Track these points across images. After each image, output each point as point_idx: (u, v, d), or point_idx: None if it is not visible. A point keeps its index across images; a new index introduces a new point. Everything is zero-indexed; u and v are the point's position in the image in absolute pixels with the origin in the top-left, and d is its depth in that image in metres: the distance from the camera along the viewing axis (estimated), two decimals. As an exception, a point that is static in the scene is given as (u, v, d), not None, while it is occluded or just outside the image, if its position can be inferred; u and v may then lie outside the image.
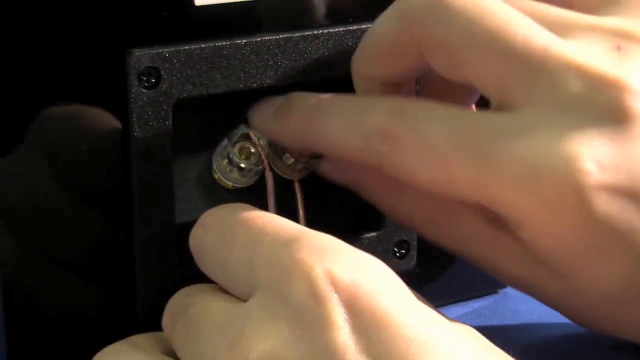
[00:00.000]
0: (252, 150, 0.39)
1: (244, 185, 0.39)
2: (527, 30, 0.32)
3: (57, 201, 0.35)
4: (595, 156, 0.30)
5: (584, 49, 0.32)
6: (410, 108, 0.34)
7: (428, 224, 0.37)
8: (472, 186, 0.32)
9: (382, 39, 0.35)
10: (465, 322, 0.32)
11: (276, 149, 0.39)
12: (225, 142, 0.39)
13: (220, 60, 0.37)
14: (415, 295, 0.30)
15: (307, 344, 0.27)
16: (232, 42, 0.37)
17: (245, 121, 0.39)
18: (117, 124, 0.36)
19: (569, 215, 0.31)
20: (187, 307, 0.32)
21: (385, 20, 0.36)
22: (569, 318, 0.36)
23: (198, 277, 0.34)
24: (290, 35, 0.38)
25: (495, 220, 0.34)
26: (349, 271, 0.28)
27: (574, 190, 0.30)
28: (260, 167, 0.39)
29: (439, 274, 0.48)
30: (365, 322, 0.28)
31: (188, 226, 0.35)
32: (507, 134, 0.31)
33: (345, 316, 0.28)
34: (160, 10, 0.36)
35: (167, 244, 0.37)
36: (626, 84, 0.31)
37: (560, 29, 0.33)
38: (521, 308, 0.49)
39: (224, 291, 0.32)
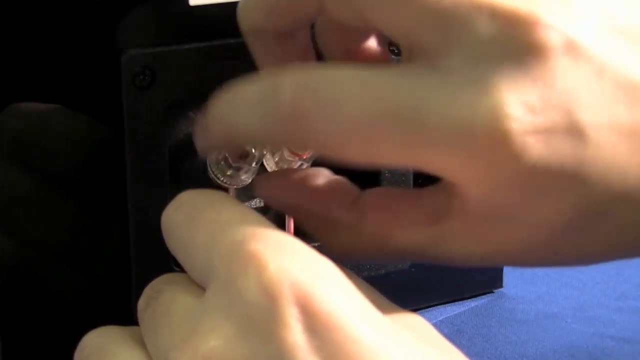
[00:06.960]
0: (248, 150, 0.39)
1: (239, 185, 0.39)
2: None
3: (51, 201, 0.35)
4: (521, 100, 0.29)
5: None
6: (316, 80, 0.31)
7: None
8: (400, 155, 0.30)
9: None
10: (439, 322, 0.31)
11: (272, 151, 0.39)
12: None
13: (215, 60, 0.37)
14: (366, 296, 0.29)
15: (257, 342, 0.27)
16: (226, 42, 0.37)
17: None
18: (111, 123, 0.36)
19: (503, 166, 0.29)
20: (158, 294, 0.32)
21: None
22: (510, 264, 0.35)
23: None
24: (284, 35, 0.38)
25: None
26: (303, 271, 0.28)
27: (504, 140, 0.29)
28: (255, 166, 0.39)
29: (434, 274, 0.48)
30: (318, 323, 0.27)
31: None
32: (428, 92, 0.30)
33: (298, 315, 0.27)
34: (155, 11, 0.36)
35: (162, 244, 0.37)
36: (538, 17, 0.29)
37: None
38: (517, 307, 0.49)
39: (196, 282, 0.32)
